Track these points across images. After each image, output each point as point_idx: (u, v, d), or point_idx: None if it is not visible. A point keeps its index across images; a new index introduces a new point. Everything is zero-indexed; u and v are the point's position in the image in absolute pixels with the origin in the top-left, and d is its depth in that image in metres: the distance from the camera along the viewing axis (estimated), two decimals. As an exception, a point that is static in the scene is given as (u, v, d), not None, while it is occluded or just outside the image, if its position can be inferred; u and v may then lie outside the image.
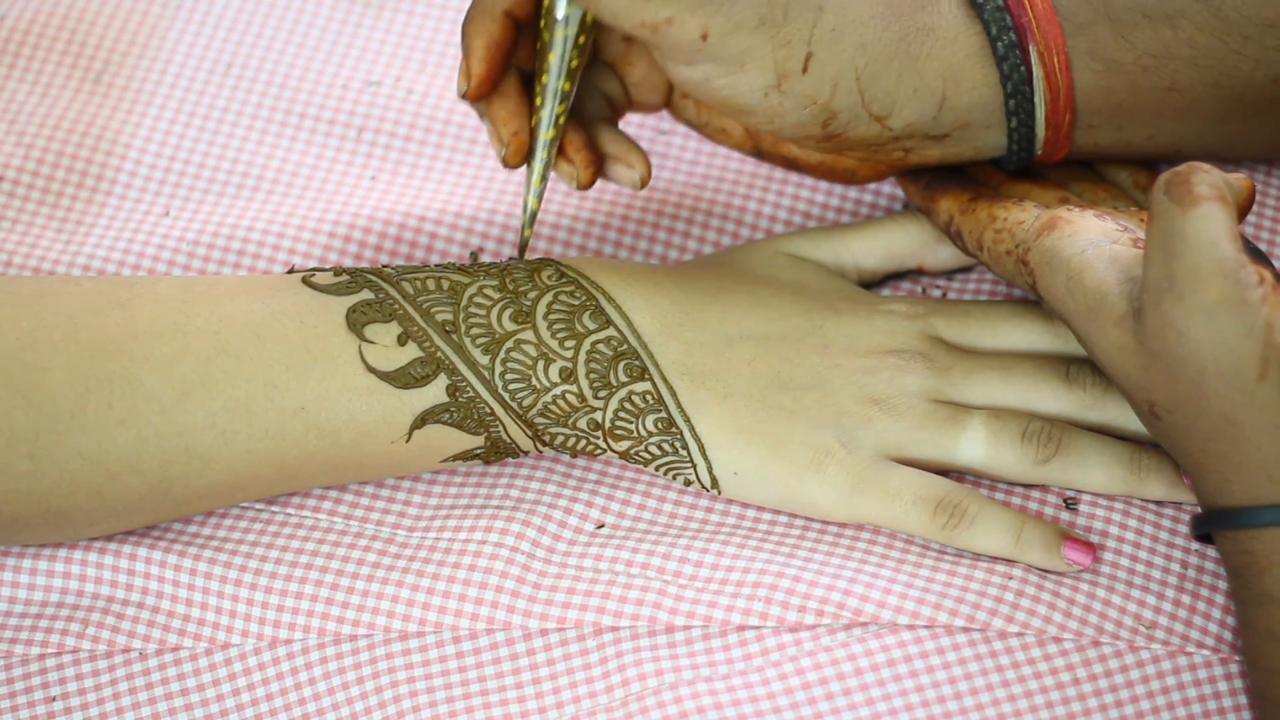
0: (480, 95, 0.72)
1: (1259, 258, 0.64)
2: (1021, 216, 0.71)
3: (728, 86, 0.70)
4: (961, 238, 0.74)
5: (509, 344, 0.71)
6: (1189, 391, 0.64)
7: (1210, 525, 0.66)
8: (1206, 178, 0.64)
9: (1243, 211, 0.66)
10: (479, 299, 0.71)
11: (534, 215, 0.75)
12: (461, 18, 0.86)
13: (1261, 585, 0.64)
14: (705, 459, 0.72)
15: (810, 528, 0.73)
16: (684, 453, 0.72)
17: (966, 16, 0.72)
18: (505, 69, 0.72)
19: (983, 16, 0.71)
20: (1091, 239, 0.68)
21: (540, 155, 0.73)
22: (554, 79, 0.72)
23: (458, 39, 0.86)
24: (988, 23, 0.71)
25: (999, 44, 0.71)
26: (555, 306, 0.72)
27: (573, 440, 0.72)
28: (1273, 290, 0.62)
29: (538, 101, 0.73)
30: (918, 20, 0.71)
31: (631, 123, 0.84)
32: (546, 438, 0.72)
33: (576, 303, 0.72)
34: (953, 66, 0.71)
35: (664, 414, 0.71)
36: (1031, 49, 0.71)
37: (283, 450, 0.71)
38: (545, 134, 0.73)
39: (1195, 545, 0.72)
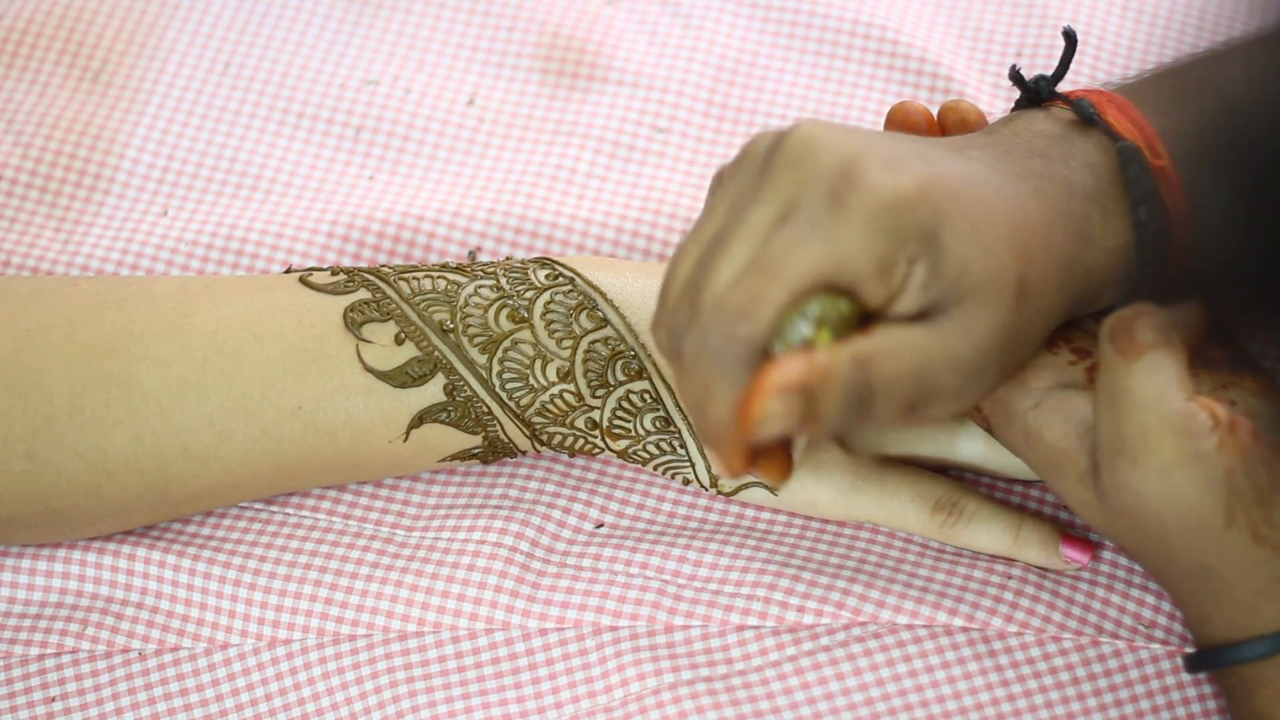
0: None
1: (1227, 358, 0.62)
2: None
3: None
4: None
5: (506, 343, 0.71)
6: (1157, 544, 0.63)
7: (1201, 667, 0.65)
8: (1150, 322, 0.62)
9: (1194, 346, 0.64)
10: (476, 299, 0.71)
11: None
12: (460, 16, 0.86)
13: (1252, 704, 0.64)
14: (704, 457, 0.72)
15: (810, 527, 0.73)
16: (682, 451, 0.72)
17: (1127, 246, 0.65)
18: None
19: (1142, 256, 0.65)
20: (1044, 385, 0.66)
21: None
22: None
23: (457, 38, 0.86)
24: (1143, 247, 0.65)
25: (1145, 254, 0.66)
26: (552, 306, 0.71)
27: (570, 439, 0.72)
28: (1228, 432, 0.61)
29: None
30: (1083, 259, 0.65)
31: (628, 120, 0.83)
32: (544, 437, 0.72)
33: (573, 303, 0.72)
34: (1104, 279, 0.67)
35: (662, 412, 0.71)
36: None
37: (280, 450, 0.70)
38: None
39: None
